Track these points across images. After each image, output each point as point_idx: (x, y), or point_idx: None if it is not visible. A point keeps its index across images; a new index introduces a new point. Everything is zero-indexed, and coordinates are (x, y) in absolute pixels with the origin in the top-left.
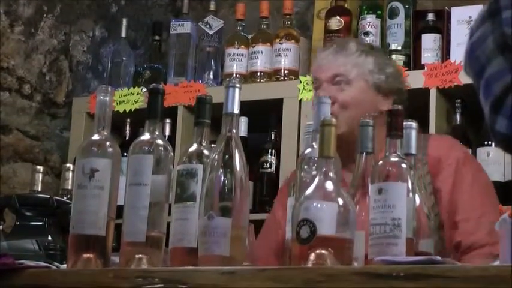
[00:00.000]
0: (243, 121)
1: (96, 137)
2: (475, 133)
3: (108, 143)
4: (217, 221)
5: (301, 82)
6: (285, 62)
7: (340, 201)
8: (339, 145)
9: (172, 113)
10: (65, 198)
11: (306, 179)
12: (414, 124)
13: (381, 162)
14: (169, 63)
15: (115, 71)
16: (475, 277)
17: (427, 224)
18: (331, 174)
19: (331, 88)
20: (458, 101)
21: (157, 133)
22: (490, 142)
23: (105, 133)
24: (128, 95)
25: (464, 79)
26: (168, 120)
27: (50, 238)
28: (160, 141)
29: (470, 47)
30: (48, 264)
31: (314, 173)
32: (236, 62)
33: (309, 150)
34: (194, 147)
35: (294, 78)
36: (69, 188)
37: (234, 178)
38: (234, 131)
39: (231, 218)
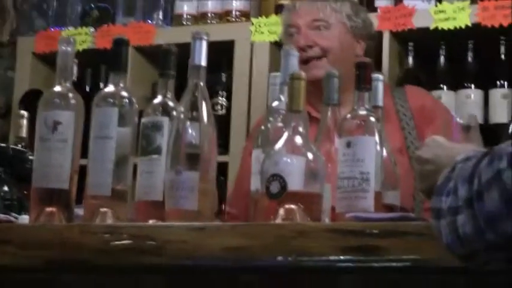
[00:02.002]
0: None
1: (58, 88)
2: (427, 76)
3: (71, 95)
4: (185, 176)
5: (253, 24)
6: (236, 3)
7: (310, 155)
8: (318, 88)
9: None
10: (20, 146)
11: (273, 132)
12: (381, 76)
13: (349, 115)
14: (118, 2)
15: (61, 10)
16: None
17: (393, 176)
18: (300, 128)
19: (311, 33)
20: (410, 44)
21: (121, 85)
22: (441, 86)
23: (68, 85)
24: (75, 34)
25: (417, 23)
26: None
27: (6, 188)
28: (125, 93)
29: None
30: (9, 217)
31: (280, 125)
32: (186, 2)
33: (276, 103)
34: (159, 99)
35: (245, 19)
36: (24, 135)
37: (201, 131)
38: (201, 83)
39: (199, 172)
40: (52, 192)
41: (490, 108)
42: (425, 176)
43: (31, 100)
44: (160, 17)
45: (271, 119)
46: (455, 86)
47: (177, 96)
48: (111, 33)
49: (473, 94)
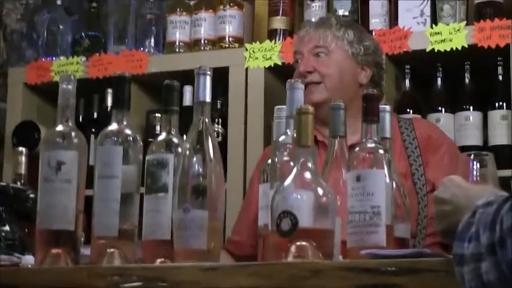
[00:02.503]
0: (188, 90)
1: (60, 128)
2: (424, 99)
3: (73, 134)
4: (193, 214)
5: (247, 50)
6: (230, 29)
7: (320, 191)
8: (319, 111)
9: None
10: (19, 183)
11: (281, 167)
12: (388, 107)
13: (357, 148)
14: (109, 31)
15: (51, 40)
16: None
17: (403, 208)
18: (309, 164)
19: (311, 59)
20: (407, 67)
21: (125, 123)
22: (439, 108)
23: (70, 124)
24: (67, 64)
25: (413, 45)
26: (110, 91)
27: (7, 228)
28: (128, 131)
29: None
30: (14, 259)
31: (287, 159)
32: (179, 29)
33: (283, 137)
34: (163, 136)
35: (239, 45)
36: (22, 172)
37: (208, 168)
38: (207, 120)
39: (207, 210)
40: (57, 233)
41: (489, 130)
42: (443, 216)
43: (24, 132)
44: (152, 44)
45: (278, 153)
46: (454, 108)
47: None
48: (103, 62)
49: (472, 116)
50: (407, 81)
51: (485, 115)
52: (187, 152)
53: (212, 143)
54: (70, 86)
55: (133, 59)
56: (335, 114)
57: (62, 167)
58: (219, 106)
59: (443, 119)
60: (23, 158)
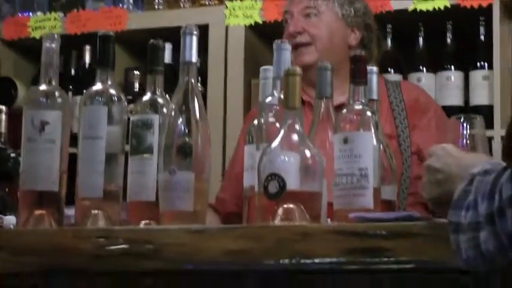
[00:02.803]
0: (168, 48)
1: (44, 87)
2: (405, 59)
3: (57, 93)
4: (179, 176)
5: (227, 7)
6: None
7: (308, 153)
8: (306, 73)
9: (92, 39)
10: None
11: (267, 128)
12: (375, 69)
13: (344, 110)
14: None
15: None
16: None
17: (389, 170)
18: (296, 126)
19: (301, 19)
20: (389, 26)
21: (109, 82)
22: (421, 68)
23: (54, 83)
24: (44, 20)
25: (395, 5)
26: (88, 47)
27: None
28: (113, 91)
29: None
30: None
31: (273, 120)
32: None
33: (269, 98)
34: (148, 96)
35: (218, 3)
36: (2, 131)
37: (194, 129)
38: (193, 80)
39: (193, 172)
40: (41, 194)
41: (471, 90)
42: (435, 185)
43: (1, 88)
44: (131, 1)
45: (264, 114)
46: (435, 68)
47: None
48: (82, 18)
49: (453, 76)
50: (388, 41)
51: (467, 75)
52: (173, 113)
53: (198, 104)
54: (53, 45)
55: (112, 16)
56: (321, 75)
57: (45, 127)
58: (198, 65)
59: (424, 79)
60: (3, 116)
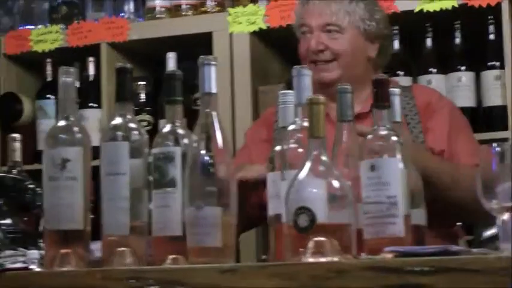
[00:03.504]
0: (171, 57)
1: (63, 123)
2: (414, 61)
3: (76, 129)
4: (206, 211)
5: (230, 14)
6: None
7: (336, 184)
8: (326, 89)
9: (95, 51)
10: (15, 171)
11: (291, 155)
12: (397, 90)
13: (370, 136)
14: None
15: (27, 7)
16: (498, 269)
17: (417, 193)
18: (323, 156)
19: (323, 36)
20: (395, 28)
21: (129, 116)
22: (430, 70)
23: (72, 118)
24: (46, 33)
25: (401, 6)
26: (91, 59)
27: (9, 221)
28: (133, 125)
29: None
30: (26, 265)
31: (294, 146)
32: None
33: (292, 126)
34: (168, 127)
35: (220, 9)
36: (18, 159)
37: (218, 161)
38: (214, 112)
39: (220, 206)
40: (66, 233)
41: (483, 91)
42: None
43: (5, 104)
44: (132, 9)
45: (286, 141)
46: (445, 69)
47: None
48: (83, 30)
49: (464, 77)
50: (396, 43)
51: (478, 75)
52: (195, 145)
53: (221, 136)
54: (70, 79)
55: (113, 26)
56: (342, 98)
57: (66, 165)
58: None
59: (434, 81)
60: (17, 144)
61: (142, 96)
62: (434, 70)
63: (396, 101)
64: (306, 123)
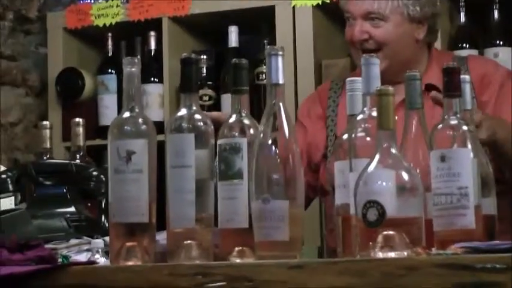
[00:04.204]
0: (233, 31)
1: (127, 114)
2: (481, 33)
3: (141, 120)
4: (274, 205)
5: None
6: None
7: (406, 176)
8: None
9: (157, 25)
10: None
11: (359, 145)
12: (467, 77)
13: (440, 126)
14: None
15: None
16: None
17: (488, 181)
18: (392, 149)
19: (366, 24)
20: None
21: (194, 108)
22: (498, 42)
23: (137, 109)
24: (107, 8)
25: None
26: (152, 33)
27: (73, 209)
28: (198, 116)
29: None
30: (92, 260)
31: (363, 135)
32: None
33: (361, 116)
34: (233, 118)
35: None
36: (81, 144)
37: (285, 154)
38: (281, 103)
39: (288, 199)
40: (132, 226)
41: None
42: None
43: (67, 79)
44: None
45: (355, 130)
46: None
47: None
48: (144, 4)
49: None
50: (462, 15)
51: None
52: (262, 136)
53: (288, 127)
54: (134, 69)
55: (175, 0)
56: (410, 85)
57: (132, 157)
58: (265, 47)
59: (501, 53)
60: (80, 129)
61: (204, 70)
62: (501, 42)
63: (467, 89)
64: (374, 113)
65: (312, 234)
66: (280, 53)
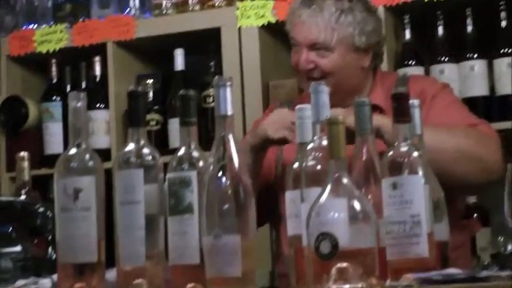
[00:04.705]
0: (179, 53)
1: (74, 150)
2: (426, 51)
3: (88, 157)
4: (225, 239)
5: (238, 8)
6: None
7: (358, 206)
8: None
9: (101, 49)
10: (24, 191)
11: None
12: (416, 102)
13: (391, 153)
14: None
15: (30, 6)
16: None
17: (439, 205)
18: (344, 178)
19: (312, 54)
20: (406, 17)
21: (142, 142)
22: (443, 58)
23: (84, 145)
24: (50, 33)
25: None
26: (97, 58)
27: (19, 248)
28: (147, 150)
29: None
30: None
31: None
32: None
33: (311, 144)
34: (182, 150)
35: (228, 3)
36: (26, 179)
37: (236, 186)
38: (230, 135)
39: (239, 233)
40: (80, 266)
41: (496, 80)
42: None
43: (10, 108)
44: (137, 5)
45: (305, 159)
46: (457, 57)
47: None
48: (88, 28)
49: (476, 65)
50: (407, 32)
51: (490, 63)
52: (211, 169)
53: (239, 159)
54: (80, 104)
55: (119, 24)
56: (360, 111)
57: (79, 195)
58: (212, 69)
59: (447, 70)
60: (25, 164)
61: (150, 94)
62: (446, 59)
63: (416, 114)
64: (324, 142)
65: (263, 258)
66: (229, 83)
